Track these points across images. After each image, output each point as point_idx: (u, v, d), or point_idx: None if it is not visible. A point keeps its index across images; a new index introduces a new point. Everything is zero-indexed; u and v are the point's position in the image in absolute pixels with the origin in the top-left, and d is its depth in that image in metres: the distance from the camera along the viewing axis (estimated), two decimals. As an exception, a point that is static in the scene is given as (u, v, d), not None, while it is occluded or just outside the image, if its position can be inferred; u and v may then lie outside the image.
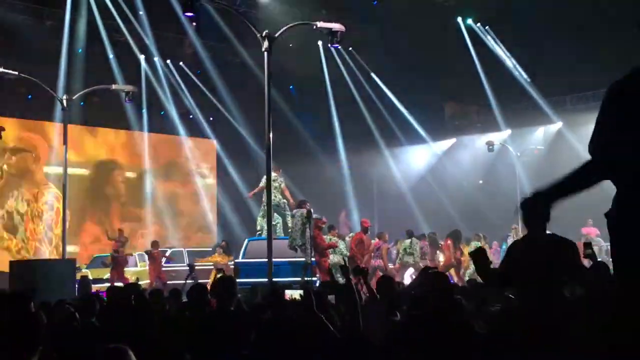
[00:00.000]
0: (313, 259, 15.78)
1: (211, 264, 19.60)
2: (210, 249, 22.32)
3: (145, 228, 30.36)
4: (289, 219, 17.70)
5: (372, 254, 18.33)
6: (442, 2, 25.17)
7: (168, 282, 19.27)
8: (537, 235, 5.44)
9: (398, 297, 7.08)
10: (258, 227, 18.89)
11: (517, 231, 20.26)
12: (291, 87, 29.26)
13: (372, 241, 18.98)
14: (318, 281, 15.18)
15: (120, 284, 16.77)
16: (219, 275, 12.40)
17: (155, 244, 21.48)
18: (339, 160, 30.60)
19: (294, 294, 6.64)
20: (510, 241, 18.35)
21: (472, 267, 18.34)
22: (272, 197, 15.53)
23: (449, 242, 18.42)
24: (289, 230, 17.02)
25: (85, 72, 24.65)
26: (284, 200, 18.17)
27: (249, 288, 10.68)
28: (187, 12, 12.41)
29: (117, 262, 20.44)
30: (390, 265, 19.49)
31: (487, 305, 7.14)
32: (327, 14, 23.16)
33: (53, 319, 6.88)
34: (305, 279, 14.39)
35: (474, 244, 18.86)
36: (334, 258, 16.39)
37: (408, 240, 19.32)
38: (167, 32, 25.81)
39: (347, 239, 18.84)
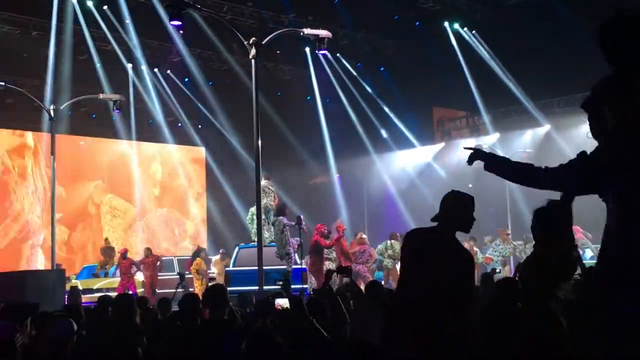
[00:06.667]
0: (297, 266, 15.72)
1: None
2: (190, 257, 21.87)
3: (135, 236, 30.25)
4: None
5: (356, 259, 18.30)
6: (429, 6, 25.22)
7: (158, 290, 19.18)
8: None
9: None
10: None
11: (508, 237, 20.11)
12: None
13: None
14: (309, 288, 15.14)
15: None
16: (210, 284, 12.31)
17: (148, 250, 21.42)
18: (328, 167, 30.56)
19: (284, 302, 6.61)
20: (491, 251, 18.51)
21: None
22: (264, 203, 15.55)
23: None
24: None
25: (72, 82, 24.56)
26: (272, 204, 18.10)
27: (236, 296, 10.46)
28: (174, 20, 12.35)
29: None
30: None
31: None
32: (313, 20, 23.19)
33: (49, 331, 6.79)
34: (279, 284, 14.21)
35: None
36: (329, 265, 16.18)
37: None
38: (154, 41, 25.72)
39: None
